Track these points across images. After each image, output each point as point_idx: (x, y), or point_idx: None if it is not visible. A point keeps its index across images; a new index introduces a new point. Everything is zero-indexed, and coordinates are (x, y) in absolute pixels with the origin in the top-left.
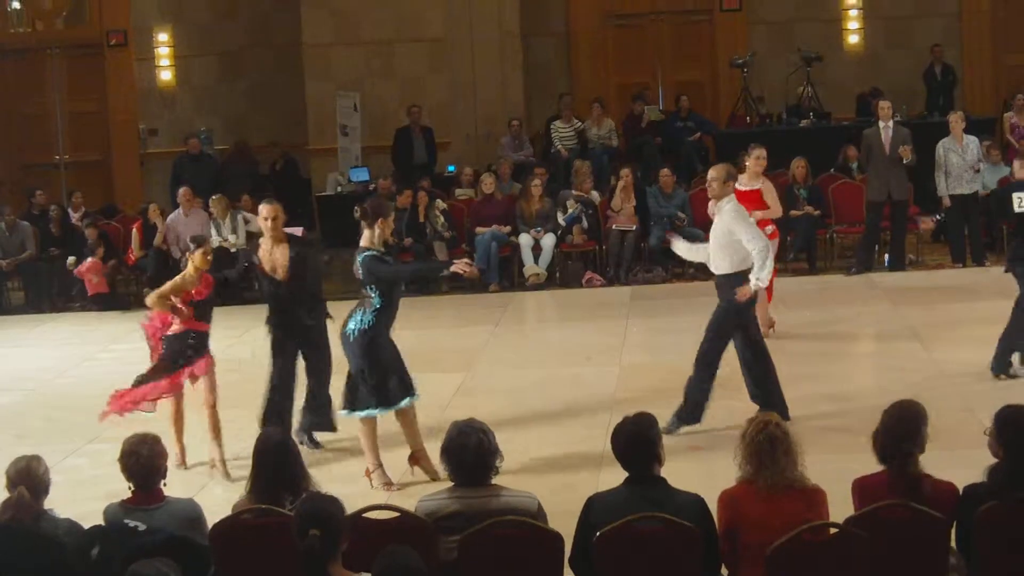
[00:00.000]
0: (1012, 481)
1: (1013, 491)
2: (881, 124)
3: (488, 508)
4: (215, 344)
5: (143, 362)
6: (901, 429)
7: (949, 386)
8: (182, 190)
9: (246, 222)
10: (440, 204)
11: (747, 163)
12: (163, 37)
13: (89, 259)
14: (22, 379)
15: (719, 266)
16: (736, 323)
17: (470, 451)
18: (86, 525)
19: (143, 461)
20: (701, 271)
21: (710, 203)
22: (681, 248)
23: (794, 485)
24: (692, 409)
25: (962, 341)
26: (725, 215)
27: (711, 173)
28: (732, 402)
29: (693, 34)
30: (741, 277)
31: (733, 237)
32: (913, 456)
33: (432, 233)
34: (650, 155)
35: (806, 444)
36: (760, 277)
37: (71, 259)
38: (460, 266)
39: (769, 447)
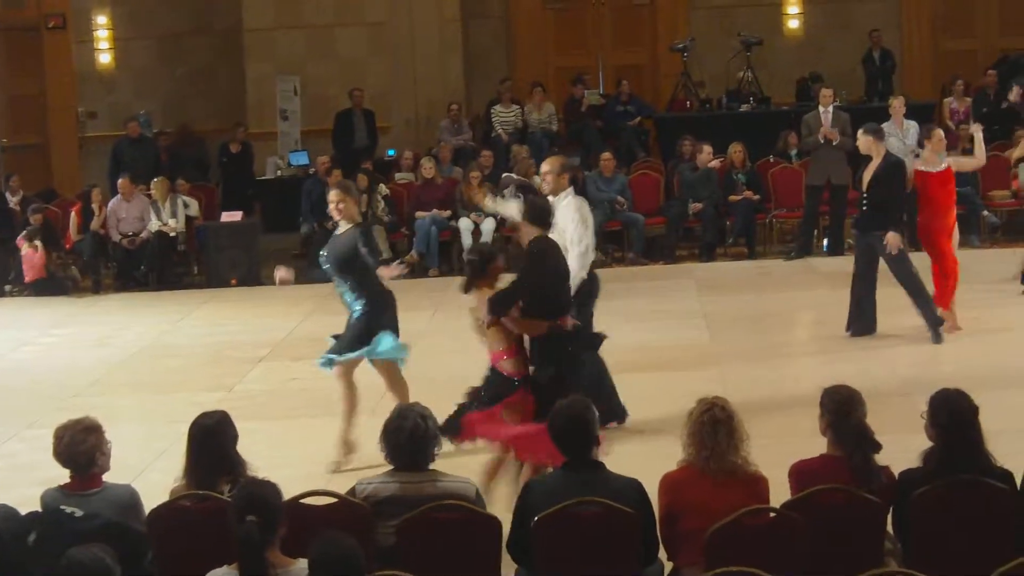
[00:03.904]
0: (946, 465)
1: (947, 475)
2: (821, 109)
3: (425, 493)
4: (148, 330)
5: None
6: (844, 413)
7: (886, 370)
8: (121, 181)
9: (186, 206)
10: (383, 190)
11: (928, 144)
12: (102, 20)
13: (27, 246)
14: None
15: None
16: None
17: (406, 434)
18: (23, 511)
19: (61, 448)
20: (642, 256)
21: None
22: None
23: (736, 472)
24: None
25: (900, 325)
26: (562, 210)
27: (544, 166)
28: (693, 385)
29: (633, 18)
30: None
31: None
32: (878, 447)
33: (372, 217)
34: (590, 139)
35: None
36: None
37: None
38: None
39: (711, 429)
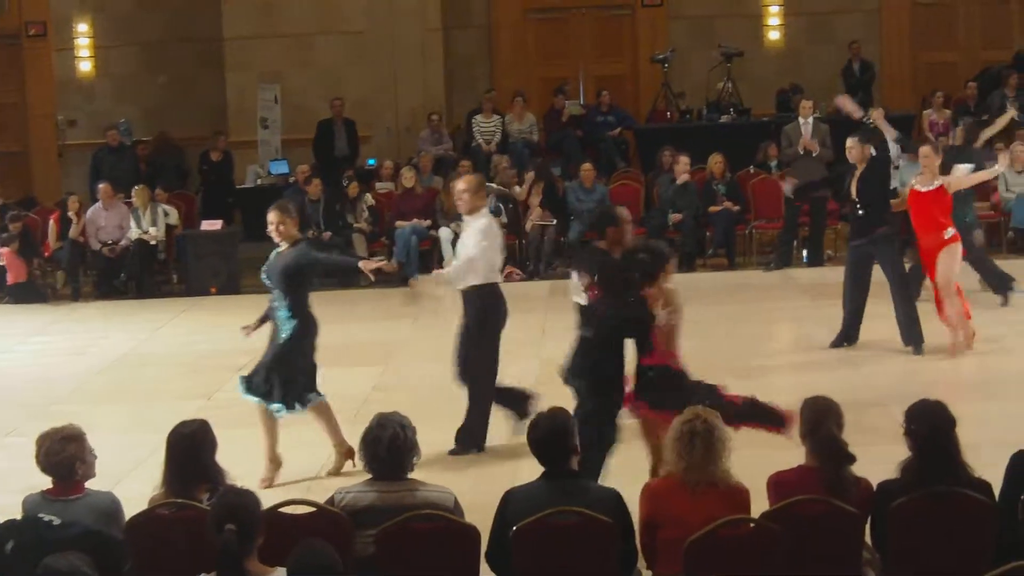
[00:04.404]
0: (923, 476)
1: (925, 486)
2: (801, 120)
3: (404, 503)
4: (127, 338)
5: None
6: (818, 424)
7: (866, 381)
8: (102, 187)
9: (166, 214)
10: (368, 199)
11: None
12: (83, 28)
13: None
14: None
15: (466, 279)
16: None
17: (384, 444)
18: (2, 519)
19: (40, 456)
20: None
21: (465, 217)
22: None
23: (717, 483)
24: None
25: (879, 336)
26: (471, 229)
27: (460, 184)
28: None
29: (614, 29)
30: (487, 289)
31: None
32: (851, 459)
33: (353, 226)
34: (570, 149)
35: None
36: (449, 275)
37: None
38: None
39: (688, 440)
